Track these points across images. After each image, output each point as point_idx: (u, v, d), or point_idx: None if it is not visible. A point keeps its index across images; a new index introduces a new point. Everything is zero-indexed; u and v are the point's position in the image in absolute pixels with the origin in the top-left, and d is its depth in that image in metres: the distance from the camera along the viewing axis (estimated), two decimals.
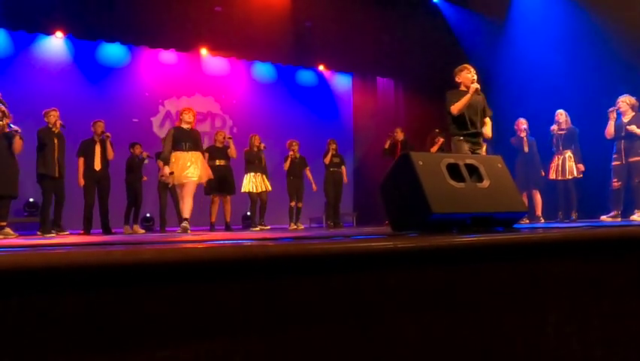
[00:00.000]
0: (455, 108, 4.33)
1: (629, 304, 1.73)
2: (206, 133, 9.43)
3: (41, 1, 7.40)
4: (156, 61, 9.52)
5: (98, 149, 6.41)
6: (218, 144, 7.25)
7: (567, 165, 6.58)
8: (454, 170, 2.35)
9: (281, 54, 9.50)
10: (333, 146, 8.05)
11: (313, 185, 8.01)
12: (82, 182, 6.31)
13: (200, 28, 8.49)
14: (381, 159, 8.18)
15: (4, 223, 5.14)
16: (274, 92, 10.55)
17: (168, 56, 9.52)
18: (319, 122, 10.56)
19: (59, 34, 8.31)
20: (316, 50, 9.59)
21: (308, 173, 8.00)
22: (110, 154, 6.48)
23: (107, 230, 6.52)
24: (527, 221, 6.49)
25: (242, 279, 1.20)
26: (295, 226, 7.75)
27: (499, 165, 2.54)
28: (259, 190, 7.27)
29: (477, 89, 4.32)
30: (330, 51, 9.71)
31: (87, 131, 6.54)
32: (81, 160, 6.37)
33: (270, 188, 7.39)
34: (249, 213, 8.17)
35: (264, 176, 7.37)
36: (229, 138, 7.15)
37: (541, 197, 6.79)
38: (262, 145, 7.41)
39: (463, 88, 4.43)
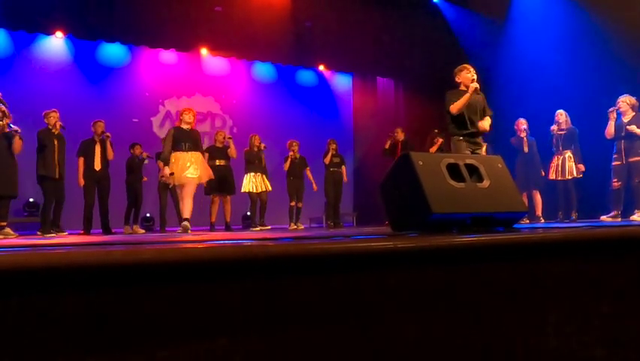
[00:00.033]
0: (454, 108, 4.33)
1: (629, 304, 1.73)
2: (206, 133, 9.43)
3: (41, 1, 7.40)
4: (156, 61, 9.52)
5: (98, 149, 6.42)
6: (218, 144, 7.25)
7: (567, 165, 6.58)
8: (454, 170, 2.35)
9: (281, 54, 9.50)
10: (333, 146, 8.05)
11: (314, 185, 8.01)
12: (82, 182, 6.31)
13: (200, 28, 8.49)
14: (381, 159, 8.17)
15: (5, 223, 5.15)
16: (274, 92, 10.55)
17: (168, 55, 9.52)
18: (319, 122, 10.56)
19: (59, 34, 8.31)
20: (316, 50, 9.59)
21: (308, 173, 8.00)
22: (110, 154, 6.48)
23: (107, 230, 6.53)
24: (527, 221, 6.49)
25: (242, 279, 1.20)
26: (295, 226, 7.75)
27: (499, 165, 2.54)
28: (259, 190, 7.27)
29: (476, 88, 4.32)
30: (330, 51, 9.71)
31: (87, 131, 6.54)
32: (81, 160, 6.37)
33: (270, 188, 7.39)
34: (249, 213, 8.17)
35: (264, 176, 7.37)
36: (229, 138, 7.15)
37: (541, 197, 6.79)
38: (262, 145, 7.40)
39: (463, 88, 4.43)
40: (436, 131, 7.46)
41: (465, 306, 1.49)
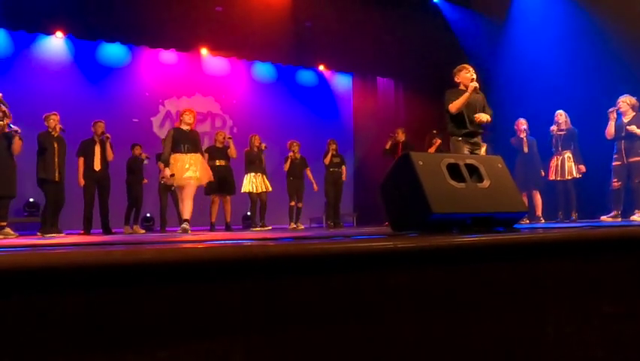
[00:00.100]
0: (454, 107, 4.32)
1: (629, 304, 1.73)
2: (206, 133, 9.44)
3: (41, 1, 7.39)
4: (156, 61, 9.52)
5: (97, 149, 6.42)
6: (218, 144, 7.25)
7: (566, 165, 6.58)
8: (454, 170, 2.35)
9: (281, 54, 9.50)
10: (333, 146, 8.05)
11: (314, 185, 8.01)
12: (82, 182, 6.32)
13: (200, 28, 8.49)
14: (381, 159, 8.17)
15: (4, 223, 5.16)
16: (274, 92, 10.55)
17: (168, 55, 9.52)
18: (319, 123, 10.56)
19: (59, 34, 8.31)
20: (316, 50, 9.59)
21: (309, 173, 8.00)
22: (110, 155, 6.48)
23: (107, 230, 6.53)
24: (527, 221, 6.49)
25: (242, 279, 1.20)
26: (295, 226, 7.75)
27: (500, 165, 2.54)
28: (259, 190, 7.27)
29: (476, 87, 4.31)
30: (330, 51, 9.71)
31: (87, 131, 6.54)
32: (81, 160, 6.37)
33: (270, 188, 7.39)
34: (249, 214, 8.17)
35: (264, 176, 7.37)
36: (229, 138, 7.15)
37: (541, 197, 6.79)
38: (263, 145, 7.40)
39: (462, 87, 4.42)
40: (435, 132, 7.46)
41: (465, 306, 1.49)
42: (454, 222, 2.23)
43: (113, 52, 9.08)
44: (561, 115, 6.69)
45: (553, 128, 6.71)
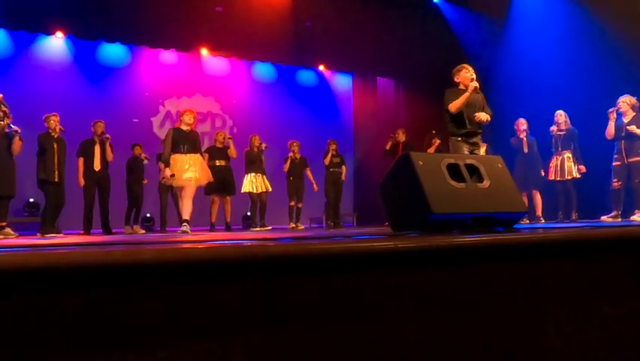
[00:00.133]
0: (454, 106, 4.31)
1: (629, 304, 1.73)
2: (206, 133, 9.44)
3: (41, 1, 7.39)
4: (156, 61, 9.52)
5: (97, 149, 6.42)
6: (219, 145, 7.25)
7: (566, 165, 6.57)
8: (454, 170, 2.35)
9: (281, 54, 9.50)
10: (333, 146, 8.05)
11: (314, 185, 8.01)
12: (82, 182, 6.32)
13: (200, 28, 8.49)
14: (381, 159, 8.17)
15: (4, 223, 5.16)
16: (274, 92, 10.55)
17: (168, 56, 9.52)
18: (319, 123, 10.56)
19: (59, 34, 8.31)
20: (316, 50, 9.59)
21: (309, 173, 8.00)
22: (110, 156, 6.48)
23: (107, 230, 6.53)
24: (527, 221, 6.49)
25: (242, 279, 1.20)
26: (295, 226, 7.75)
27: (500, 165, 2.54)
28: (259, 191, 7.27)
29: (476, 87, 4.30)
30: (330, 51, 9.71)
31: (87, 131, 6.54)
32: (81, 160, 6.37)
33: (270, 189, 7.38)
34: (249, 214, 8.17)
35: (264, 176, 7.37)
36: (229, 138, 7.15)
37: (541, 197, 6.79)
38: (263, 145, 7.40)
39: (461, 87, 4.42)
40: (434, 132, 7.46)
41: (465, 306, 1.49)
42: (454, 222, 2.23)
43: (113, 52, 9.08)
44: (561, 115, 6.69)
45: (553, 128, 6.70)
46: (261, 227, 7.24)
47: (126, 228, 7.10)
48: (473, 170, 2.43)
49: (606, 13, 7.25)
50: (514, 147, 6.91)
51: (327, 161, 8.02)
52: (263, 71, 10.47)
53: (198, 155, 5.58)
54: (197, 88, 9.90)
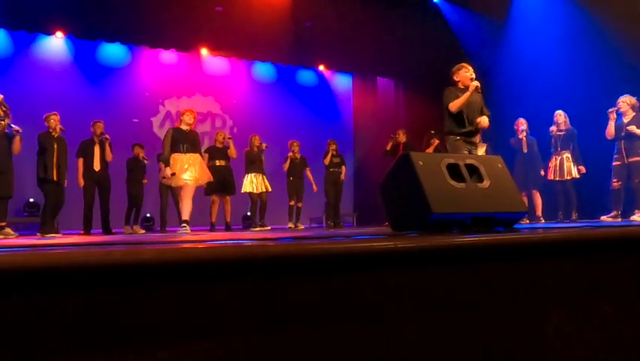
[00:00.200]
0: (454, 106, 4.29)
1: (629, 304, 1.73)
2: (206, 133, 9.44)
3: (41, 1, 7.39)
4: (156, 61, 9.52)
5: (97, 149, 6.42)
6: (218, 145, 7.25)
7: (565, 165, 6.57)
8: (454, 170, 2.35)
9: (281, 54, 9.50)
10: (333, 147, 8.05)
11: (314, 185, 8.01)
12: (81, 182, 6.31)
13: (200, 28, 8.49)
14: (381, 159, 8.17)
15: (4, 223, 5.16)
16: (274, 92, 10.55)
17: (168, 56, 9.52)
18: (319, 123, 10.56)
19: (59, 34, 8.32)
20: (316, 50, 9.59)
21: (308, 173, 8.00)
22: (109, 156, 6.48)
23: (107, 230, 6.53)
24: (527, 221, 6.49)
25: (242, 279, 1.20)
26: (295, 226, 7.75)
27: (500, 165, 2.54)
28: (259, 191, 7.27)
29: (477, 86, 4.28)
30: (330, 51, 9.71)
31: (87, 131, 6.54)
32: (80, 160, 6.37)
33: (270, 189, 7.38)
34: (249, 214, 8.17)
35: (264, 176, 7.37)
36: (229, 138, 7.15)
37: (541, 197, 6.79)
38: (263, 145, 7.40)
39: (461, 86, 4.40)
40: (433, 132, 7.45)
41: (465, 306, 1.49)
42: (454, 222, 2.23)
43: (113, 52, 9.08)
44: (560, 115, 6.69)
45: (553, 128, 6.71)
46: (260, 227, 7.24)
47: (126, 228, 7.10)
48: (473, 170, 2.43)
49: (606, 14, 7.24)
50: (513, 147, 6.91)
51: (327, 161, 8.02)
52: (263, 70, 10.47)
53: (198, 155, 5.58)
54: (197, 88, 9.90)
